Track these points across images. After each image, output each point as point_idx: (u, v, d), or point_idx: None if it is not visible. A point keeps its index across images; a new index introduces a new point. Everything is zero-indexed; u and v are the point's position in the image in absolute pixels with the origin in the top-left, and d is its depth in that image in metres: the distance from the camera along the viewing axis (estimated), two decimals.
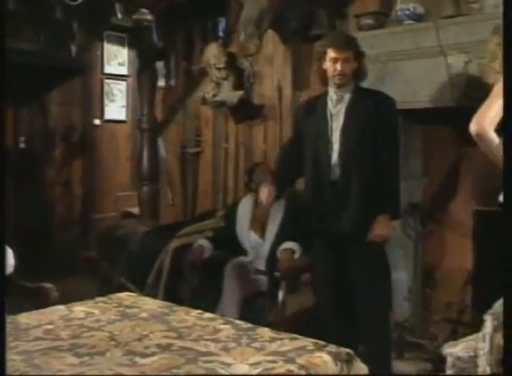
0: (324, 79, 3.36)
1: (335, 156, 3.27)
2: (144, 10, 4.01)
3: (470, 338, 1.89)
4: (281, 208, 3.92)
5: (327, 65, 3.27)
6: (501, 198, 2.58)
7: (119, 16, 4.17)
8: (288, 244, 3.75)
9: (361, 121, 3.23)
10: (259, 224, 3.99)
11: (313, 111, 3.41)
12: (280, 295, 3.62)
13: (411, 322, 3.89)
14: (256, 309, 3.69)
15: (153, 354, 2.00)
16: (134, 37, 6.04)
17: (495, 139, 2.58)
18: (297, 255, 3.72)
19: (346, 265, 3.30)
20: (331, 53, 3.23)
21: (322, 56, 3.29)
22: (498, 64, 2.87)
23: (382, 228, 3.22)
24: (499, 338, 1.62)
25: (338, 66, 3.23)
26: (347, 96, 3.30)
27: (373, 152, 3.23)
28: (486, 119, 2.58)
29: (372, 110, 3.23)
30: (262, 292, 3.77)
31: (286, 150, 3.71)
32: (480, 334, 1.74)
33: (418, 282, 3.89)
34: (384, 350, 3.37)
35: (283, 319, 3.61)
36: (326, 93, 3.38)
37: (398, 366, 3.51)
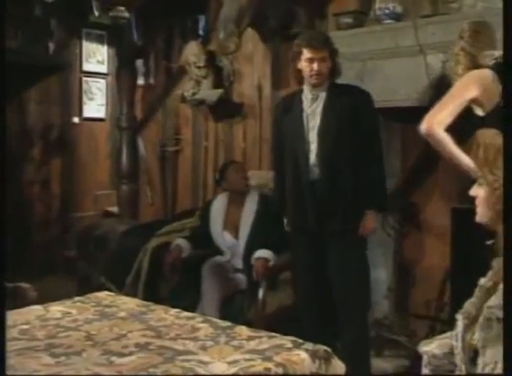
0: (299, 79, 3.35)
1: (313, 156, 3.28)
2: (121, 8, 3.98)
3: (444, 335, 1.91)
4: (254, 208, 3.91)
5: (303, 65, 3.25)
6: (472, 192, 2.65)
7: (96, 13, 4.13)
8: (262, 253, 3.67)
9: (338, 119, 3.23)
10: (232, 224, 3.96)
11: (289, 110, 3.40)
12: (260, 294, 3.62)
13: (390, 319, 3.91)
14: (236, 308, 3.68)
15: (130, 353, 1.99)
16: (113, 35, 6.01)
17: (444, 138, 2.73)
18: (271, 263, 3.67)
19: (326, 264, 3.31)
20: (307, 53, 3.22)
21: (297, 56, 3.27)
22: (460, 69, 2.89)
23: (371, 222, 3.28)
24: (470, 338, 1.62)
25: (315, 66, 3.22)
26: (322, 95, 3.29)
27: (354, 148, 3.24)
28: (435, 119, 2.74)
29: (348, 107, 3.23)
30: (242, 290, 3.77)
31: (276, 151, 3.64)
32: (453, 333, 1.76)
33: (397, 280, 3.92)
34: (364, 347, 3.39)
35: (263, 317, 3.61)
36: (300, 92, 3.37)
37: (377, 363, 3.53)
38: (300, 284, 3.49)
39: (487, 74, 2.79)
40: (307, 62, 3.23)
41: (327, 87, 3.30)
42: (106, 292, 2.89)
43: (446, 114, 2.75)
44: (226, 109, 5.08)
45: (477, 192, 1.69)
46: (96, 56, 6.37)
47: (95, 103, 6.38)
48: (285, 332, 2.21)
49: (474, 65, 2.84)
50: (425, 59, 3.54)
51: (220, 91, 4.98)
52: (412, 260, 3.90)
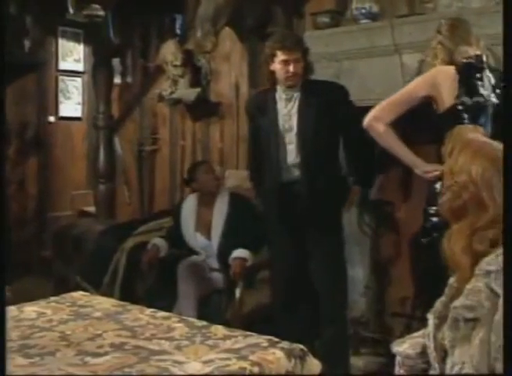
0: (272, 80, 3.32)
1: (291, 157, 3.27)
2: (96, 6, 3.94)
3: (416, 334, 1.91)
4: (225, 209, 3.89)
5: (277, 67, 3.22)
6: (438, 184, 2.73)
7: (71, 11, 4.09)
8: (240, 253, 3.67)
9: (316, 118, 3.22)
10: (204, 225, 3.92)
11: (263, 110, 3.37)
12: (237, 293, 3.62)
13: (366, 317, 3.93)
14: (213, 307, 3.67)
15: (105, 353, 1.98)
16: (90, 34, 5.96)
17: (383, 133, 2.87)
18: (249, 263, 3.66)
19: (305, 263, 3.31)
20: (281, 55, 3.18)
21: (271, 57, 3.24)
22: (438, 63, 2.92)
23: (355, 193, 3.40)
24: (442, 337, 1.63)
25: (291, 67, 3.19)
26: (296, 95, 3.27)
27: (333, 146, 3.24)
28: (375, 114, 2.87)
29: (324, 103, 3.22)
30: (219, 290, 3.76)
31: (252, 151, 3.65)
32: (426, 332, 1.76)
33: (373, 278, 3.93)
34: (344, 345, 3.41)
35: (240, 316, 3.61)
36: (274, 91, 3.34)
37: (354, 361, 3.54)
38: (278, 283, 3.49)
39: (449, 73, 2.82)
40: (281, 64, 3.20)
41: (301, 86, 3.28)
42: (82, 292, 2.87)
43: (388, 110, 2.87)
44: (203, 108, 5.07)
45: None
46: (73, 55, 6.33)
47: (72, 102, 6.34)
48: (262, 331, 2.21)
49: (451, 59, 2.87)
50: (401, 58, 3.56)
51: (197, 90, 4.97)
52: (388, 258, 3.92)
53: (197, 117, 5.20)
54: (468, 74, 2.81)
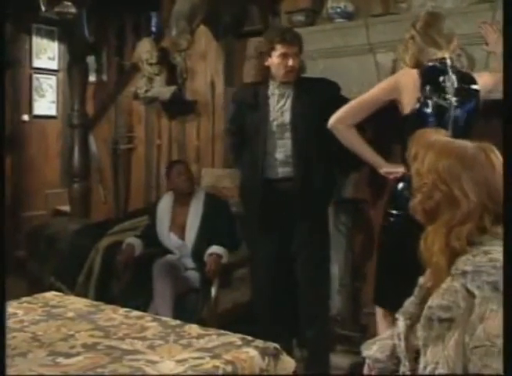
0: (265, 75, 3.30)
1: (281, 152, 3.25)
2: (67, 3, 3.91)
3: (384, 336, 1.91)
4: (200, 209, 3.88)
5: (274, 61, 3.21)
6: (400, 185, 2.84)
7: (42, 8, 4.05)
8: (215, 249, 3.68)
9: (309, 115, 3.21)
10: (179, 225, 3.90)
11: (252, 105, 3.33)
12: (213, 292, 3.61)
13: (342, 315, 3.94)
14: (189, 306, 3.66)
15: (77, 354, 1.96)
16: (64, 31, 5.92)
17: (345, 134, 2.97)
18: (224, 260, 3.67)
19: (289, 261, 3.31)
20: (281, 49, 3.17)
21: (268, 52, 3.22)
22: (407, 57, 2.95)
23: None
24: (414, 337, 1.63)
25: (290, 61, 3.18)
26: (289, 91, 3.26)
27: (326, 144, 3.22)
28: (338, 116, 2.95)
29: (317, 100, 3.21)
30: (195, 289, 3.74)
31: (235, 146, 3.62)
32: (395, 333, 1.76)
33: (349, 276, 3.95)
34: (326, 343, 3.45)
35: (216, 315, 3.60)
36: (266, 87, 3.31)
37: (331, 358, 3.55)
38: (260, 282, 3.47)
39: (411, 76, 2.86)
40: (280, 57, 3.18)
41: (294, 83, 3.27)
42: (54, 292, 2.83)
43: (352, 113, 2.95)
44: (179, 106, 5.04)
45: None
46: (47, 53, 6.26)
47: (46, 101, 6.29)
48: (239, 330, 2.21)
49: (419, 57, 2.90)
50: (375, 57, 3.58)
51: (173, 88, 4.94)
52: (363, 256, 3.94)
53: (173, 116, 5.17)
54: (430, 78, 2.86)
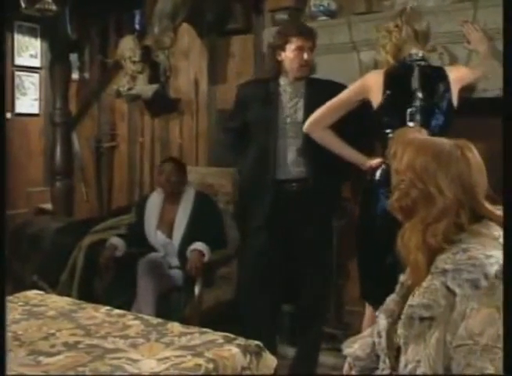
0: (277, 71, 3.27)
1: (293, 152, 3.22)
2: (48, 0, 3.87)
3: (365, 334, 1.91)
4: (189, 207, 3.86)
5: (288, 55, 3.18)
6: (376, 177, 2.90)
7: (23, 5, 4.01)
8: (197, 245, 3.67)
9: None
10: (166, 223, 3.88)
11: (262, 101, 3.28)
12: (196, 290, 3.60)
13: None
14: (172, 305, 3.64)
15: (58, 353, 1.96)
16: (46, 29, 5.86)
17: (322, 135, 3.06)
18: (206, 257, 3.65)
19: (287, 261, 3.32)
20: (297, 42, 3.15)
21: (282, 45, 3.19)
22: (389, 45, 2.98)
23: None
24: (395, 335, 1.64)
25: (305, 55, 3.16)
26: (302, 89, 3.24)
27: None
28: (313, 119, 3.05)
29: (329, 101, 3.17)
30: (178, 287, 3.73)
31: (233, 136, 3.57)
32: (375, 331, 1.77)
33: (333, 274, 3.95)
34: (319, 340, 3.47)
35: (199, 314, 3.59)
36: (276, 84, 3.28)
37: None
38: (251, 279, 3.44)
39: (378, 77, 2.93)
40: (295, 51, 3.16)
41: (305, 82, 3.25)
42: (35, 291, 2.81)
43: (325, 116, 3.04)
44: (162, 104, 5.02)
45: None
46: (29, 50, 6.20)
47: (28, 98, 6.21)
48: (222, 329, 2.21)
49: (401, 46, 2.94)
50: (358, 55, 3.59)
51: (156, 86, 4.92)
52: (346, 254, 3.95)
53: (156, 114, 5.15)
54: (395, 77, 2.92)
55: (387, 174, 2.69)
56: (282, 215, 3.26)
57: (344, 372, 1.89)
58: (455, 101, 2.89)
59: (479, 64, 3.10)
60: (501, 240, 1.53)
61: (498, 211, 1.59)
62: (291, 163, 3.24)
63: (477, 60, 3.11)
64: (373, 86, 2.92)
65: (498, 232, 1.56)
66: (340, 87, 3.29)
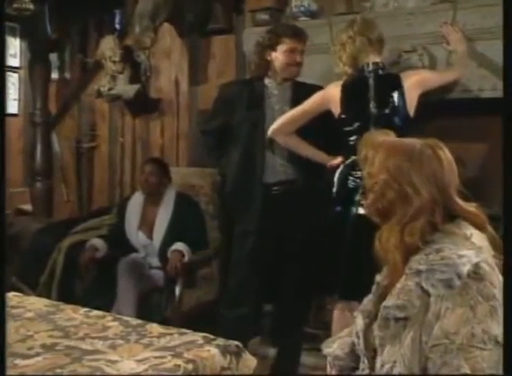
0: (263, 71, 3.26)
1: (281, 154, 3.21)
2: None
3: (343, 333, 1.92)
4: (170, 208, 3.84)
5: (278, 56, 3.17)
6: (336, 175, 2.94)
7: None
8: (177, 246, 3.66)
9: None
10: (147, 224, 3.86)
11: (244, 101, 3.27)
12: (177, 291, 3.58)
13: None
14: (152, 306, 3.63)
15: (36, 354, 1.93)
16: (26, 28, 5.81)
17: (286, 141, 3.14)
18: (186, 258, 3.64)
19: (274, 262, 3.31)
20: (290, 43, 3.15)
21: (273, 45, 3.18)
22: (345, 56, 3.00)
23: None
24: (372, 336, 1.64)
25: (297, 57, 3.17)
26: (289, 93, 3.24)
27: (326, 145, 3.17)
28: (276, 126, 3.11)
29: None
30: (159, 288, 3.71)
31: (212, 138, 3.54)
32: (354, 331, 1.77)
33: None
34: (300, 339, 3.47)
35: (180, 314, 3.58)
36: (261, 85, 3.27)
37: None
38: (234, 281, 3.43)
39: (337, 88, 2.97)
40: (287, 52, 3.16)
41: (291, 85, 3.25)
42: (14, 293, 2.78)
43: (287, 124, 3.09)
44: (143, 104, 5.00)
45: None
46: (9, 49, 6.15)
47: (8, 98, 6.16)
48: (203, 329, 2.20)
49: (357, 56, 2.97)
50: None
51: (137, 86, 4.90)
52: None
53: (137, 114, 5.13)
54: (350, 88, 2.96)
55: (341, 175, 2.87)
56: (270, 218, 3.25)
57: (328, 372, 1.89)
58: (411, 108, 2.89)
59: (456, 65, 3.12)
60: (473, 239, 1.55)
61: (471, 207, 1.60)
62: (279, 165, 3.24)
63: (456, 61, 3.13)
64: (333, 98, 2.97)
65: (470, 231, 1.57)
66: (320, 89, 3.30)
